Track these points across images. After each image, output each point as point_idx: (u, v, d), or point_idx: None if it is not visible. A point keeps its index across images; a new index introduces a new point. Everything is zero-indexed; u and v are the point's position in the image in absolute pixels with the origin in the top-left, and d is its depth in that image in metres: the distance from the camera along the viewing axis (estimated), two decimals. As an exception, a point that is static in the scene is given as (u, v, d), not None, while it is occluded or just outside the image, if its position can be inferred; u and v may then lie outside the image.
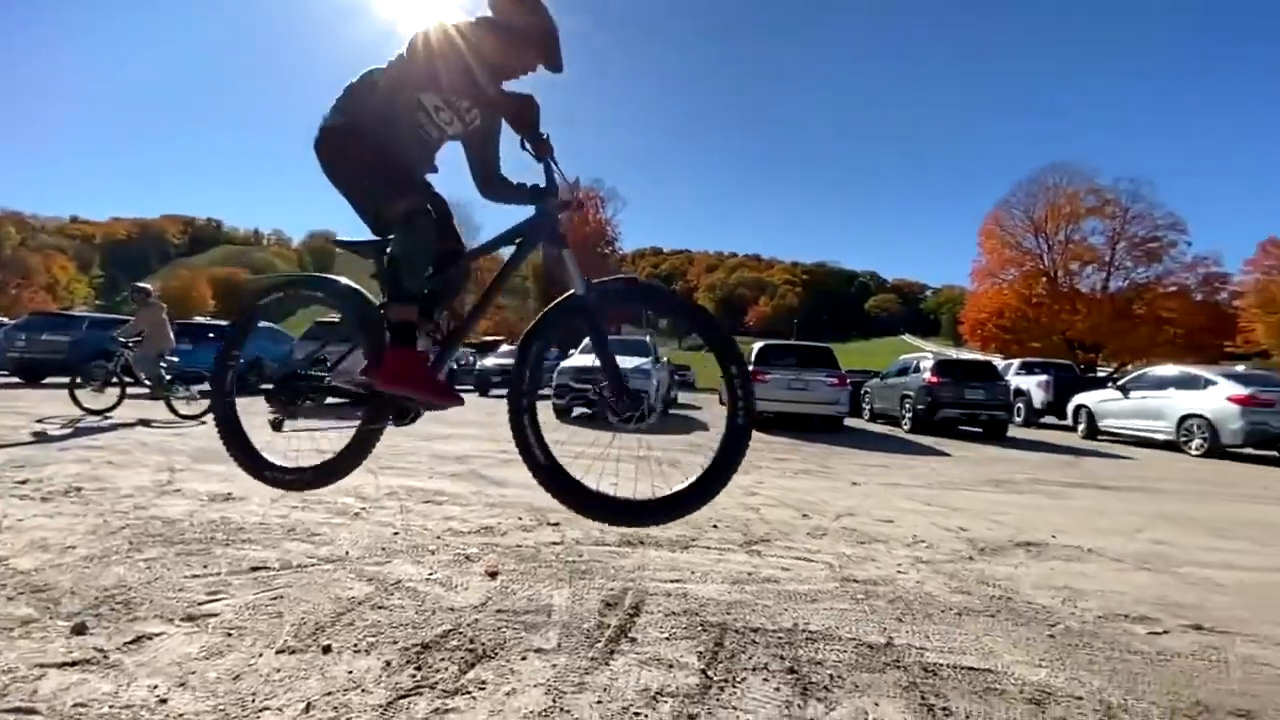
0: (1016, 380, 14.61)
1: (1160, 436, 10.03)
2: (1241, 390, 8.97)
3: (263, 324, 2.88)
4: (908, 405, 11.26)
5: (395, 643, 1.77)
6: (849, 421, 11.77)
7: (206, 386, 4.63)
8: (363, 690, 1.51)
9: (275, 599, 2.04)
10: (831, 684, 1.67)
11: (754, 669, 1.73)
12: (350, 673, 1.59)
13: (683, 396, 21.76)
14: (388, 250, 1.82)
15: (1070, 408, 12.39)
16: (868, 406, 14.05)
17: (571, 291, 1.79)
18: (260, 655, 1.66)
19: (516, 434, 1.80)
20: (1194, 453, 9.24)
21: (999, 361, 16.11)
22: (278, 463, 2.06)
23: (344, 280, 2.03)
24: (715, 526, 3.32)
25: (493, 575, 2.39)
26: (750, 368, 11.39)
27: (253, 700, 1.44)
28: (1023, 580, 2.74)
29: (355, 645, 1.75)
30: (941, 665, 1.82)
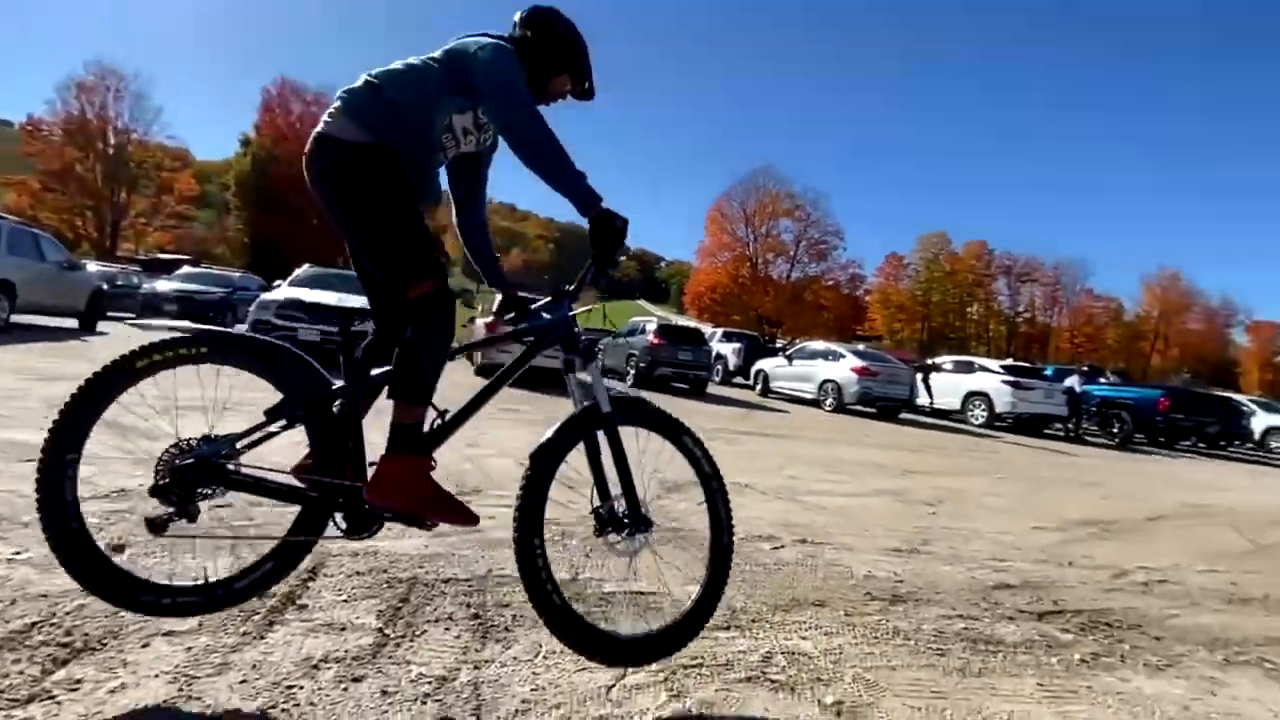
0: (718, 346, 17.24)
1: (808, 395, 12.89)
2: (860, 363, 12.02)
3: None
4: (632, 362, 12.40)
5: (-73, 652, 1.30)
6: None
7: None
8: None
9: None
10: (513, 624, 1.75)
11: (437, 620, 1.72)
12: None
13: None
14: (383, 328, 1.60)
15: (753, 371, 15.17)
16: (600, 363, 15.08)
17: (591, 405, 1.59)
18: None
19: (527, 572, 1.48)
20: (827, 409, 12.12)
21: (707, 329, 18.76)
22: (157, 581, 1.43)
23: (281, 343, 1.51)
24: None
25: (118, 550, 1.91)
26: (489, 319, 11.03)
27: None
28: (690, 514, 3.26)
29: None
30: (616, 592, 2.05)
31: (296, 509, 1.52)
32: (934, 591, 2.52)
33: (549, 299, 1.68)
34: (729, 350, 17.22)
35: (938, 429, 11.44)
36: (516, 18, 1.65)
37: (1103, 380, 15.99)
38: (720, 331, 19.39)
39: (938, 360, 15.93)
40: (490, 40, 1.52)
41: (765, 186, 49.09)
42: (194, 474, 1.35)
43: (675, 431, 1.68)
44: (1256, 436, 15.93)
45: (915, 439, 9.02)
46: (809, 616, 2.13)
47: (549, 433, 1.55)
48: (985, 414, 12.70)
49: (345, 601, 1.76)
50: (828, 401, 12.26)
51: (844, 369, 12.14)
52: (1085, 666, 2.01)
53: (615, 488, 1.61)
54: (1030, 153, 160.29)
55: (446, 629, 1.67)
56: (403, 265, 1.45)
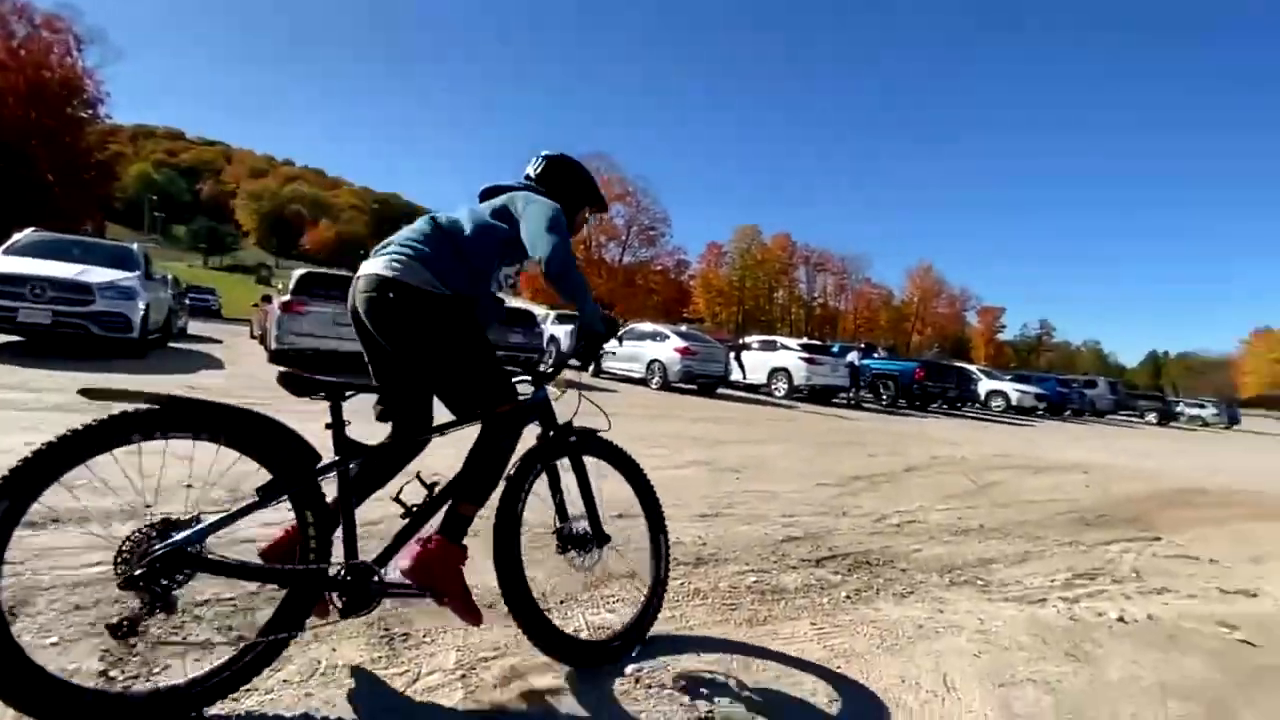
0: (551, 328, 17.10)
1: (637, 375, 13.38)
2: (682, 343, 12.74)
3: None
4: (459, 346, 11.80)
5: None
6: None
7: None
8: None
9: None
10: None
11: (179, 652, 1.44)
12: None
13: (202, 327, 17.42)
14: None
15: (586, 353, 15.32)
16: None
17: (559, 432, 1.76)
18: None
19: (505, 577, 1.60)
20: (654, 387, 12.69)
21: (540, 311, 18.53)
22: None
23: (267, 414, 1.34)
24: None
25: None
26: (286, 298, 9.69)
27: None
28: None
29: None
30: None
31: (269, 600, 1.41)
32: (732, 550, 2.73)
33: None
34: (562, 332, 17.16)
35: (748, 402, 12.59)
36: (534, 170, 1.88)
37: (876, 355, 18.85)
38: (554, 313, 19.25)
39: (749, 340, 17.51)
40: (539, 200, 1.70)
41: (598, 170, 49.78)
42: (174, 561, 1.18)
43: (633, 467, 1.94)
44: (982, 398, 19.97)
45: (728, 412, 9.82)
46: (617, 589, 2.18)
47: (515, 462, 1.65)
48: (786, 387, 14.27)
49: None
50: (654, 380, 12.82)
51: (668, 349, 12.77)
52: (849, 602, 2.33)
53: (572, 509, 1.76)
54: (832, 152, 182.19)
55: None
56: (490, 394, 1.59)
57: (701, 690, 1.59)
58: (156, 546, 1.16)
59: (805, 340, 17.07)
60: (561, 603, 2.04)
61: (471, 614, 1.52)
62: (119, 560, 1.15)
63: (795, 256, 73.50)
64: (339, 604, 1.39)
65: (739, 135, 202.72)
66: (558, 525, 1.73)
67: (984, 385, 20.22)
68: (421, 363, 1.58)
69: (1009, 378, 21.90)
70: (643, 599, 1.86)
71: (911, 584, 2.60)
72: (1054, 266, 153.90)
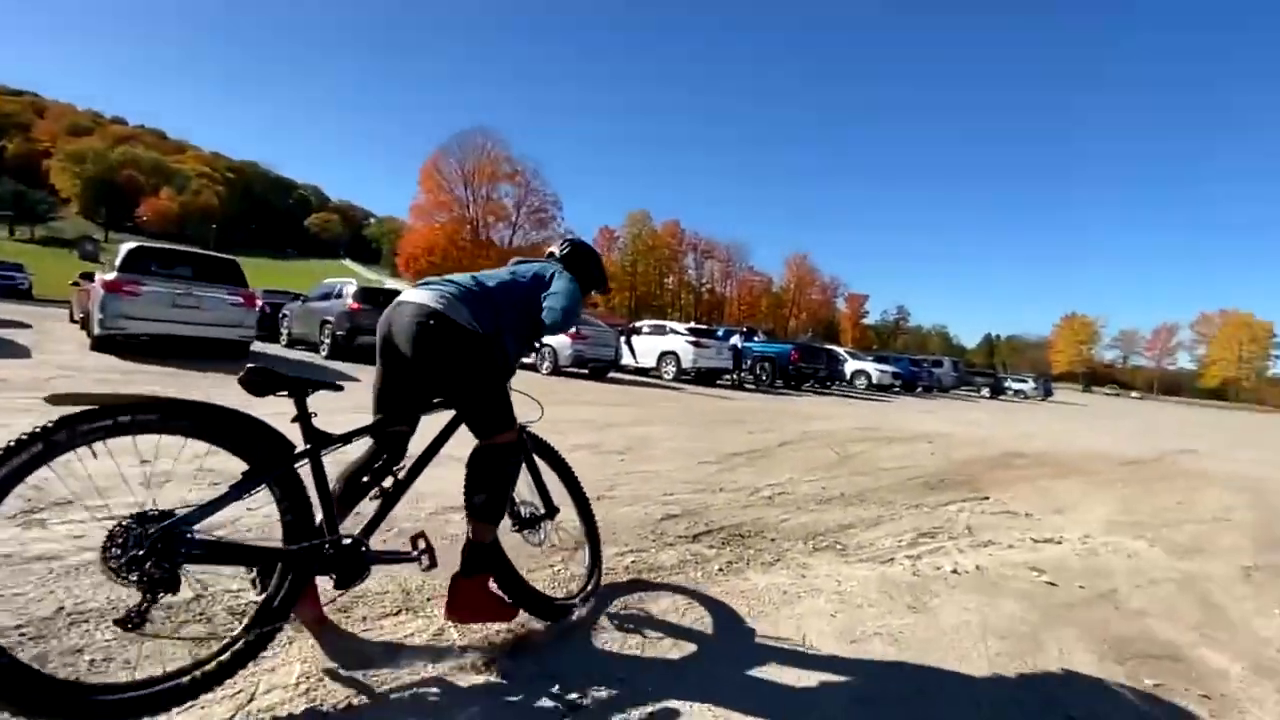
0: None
1: (527, 360, 13.04)
2: (573, 328, 12.64)
3: None
4: (327, 331, 10.85)
5: None
6: (259, 347, 10.48)
7: None
8: None
9: None
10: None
11: None
12: None
13: (8, 309, 14.71)
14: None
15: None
16: (286, 331, 12.88)
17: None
18: None
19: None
20: (544, 372, 12.50)
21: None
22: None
23: (235, 409, 1.39)
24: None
25: None
26: (111, 276, 8.44)
27: None
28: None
29: None
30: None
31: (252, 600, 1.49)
32: (612, 532, 2.73)
33: None
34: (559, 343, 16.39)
35: (637, 385, 12.78)
36: (560, 250, 2.10)
37: (756, 339, 19.87)
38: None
39: (639, 324, 17.75)
40: (571, 283, 1.94)
41: (484, 147, 47.83)
42: (169, 543, 1.23)
43: (562, 461, 2.22)
44: (848, 377, 21.76)
45: (617, 395, 9.89)
46: (563, 559, 2.10)
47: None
48: (674, 369, 14.65)
49: None
50: (544, 365, 12.62)
51: (560, 337, 12.61)
52: (721, 574, 2.41)
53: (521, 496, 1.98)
54: (718, 142, 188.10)
55: None
56: (497, 421, 1.76)
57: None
58: (151, 529, 1.21)
59: (693, 324, 17.56)
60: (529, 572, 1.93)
61: (508, 615, 1.79)
62: (109, 551, 1.19)
63: (684, 243, 75.51)
64: (332, 581, 1.54)
65: (630, 120, 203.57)
66: (513, 508, 1.97)
67: (850, 365, 22.00)
68: (441, 382, 1.78)
69: (871, 359, 23.99)
70: (586, 565, 2.16)
71: (779, 553, 2.75)
72: (911, 259, 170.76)
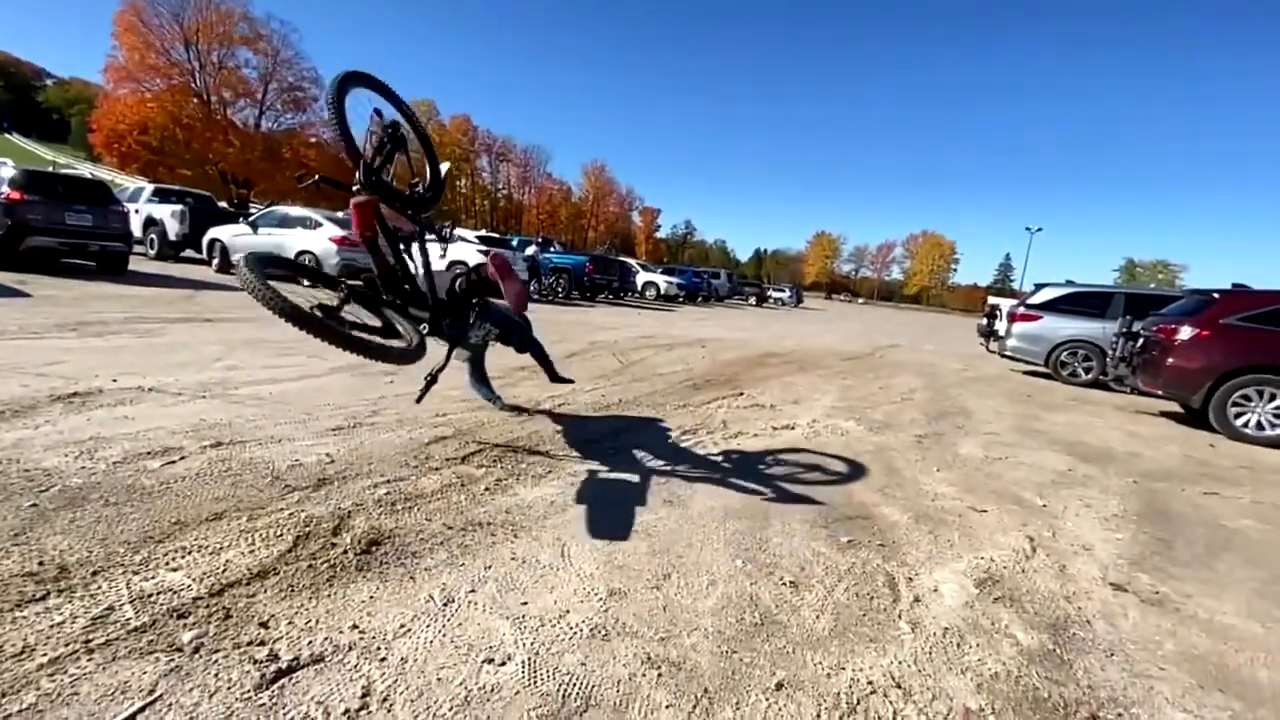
0: (148, 209, 12.97)
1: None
2: (340, 232, 11.02)
3: None
4: (-34, 229, 7.95)
5: None
6: None
7: None
8: None
9: None
10: None
11: None
12: None
13: None
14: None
15: (205, 241, 12.10)
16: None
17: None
18: None
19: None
20: (305, 284, 10.85)
21: (137, 184, 13.67)
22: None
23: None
24: None
25: None
26: None
27: None
28: (35, 443, 2.28)
29: None
30: None
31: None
32: (366, 463, 2.48)
33: None
34: (166, 214, 13.05)
35: (424, 298, 11.83)
36: None
37: (553, 250, 19.60)
38: (150, 189, 14.40)
39: (424, 231, 16.19)
40: None
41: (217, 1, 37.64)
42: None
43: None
44: (639, 288, 22.85)
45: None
46: (193, 539, 1.74)
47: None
48: (465, 283, 13.87)
49: None
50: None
51: (322, 238, 10.94)
52: (488, 494, 2.34)
53: None
54: (515, 41, 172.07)
55: None
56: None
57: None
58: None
59: (484, 233, 16.56)
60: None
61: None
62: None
63: (477, 143, 69.76)
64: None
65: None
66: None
67: (641, 277, 23.01)
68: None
69: (660, 271, 25.37)
70: None
71: (552, 465, 2.76)
72: (700, 177, 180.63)
